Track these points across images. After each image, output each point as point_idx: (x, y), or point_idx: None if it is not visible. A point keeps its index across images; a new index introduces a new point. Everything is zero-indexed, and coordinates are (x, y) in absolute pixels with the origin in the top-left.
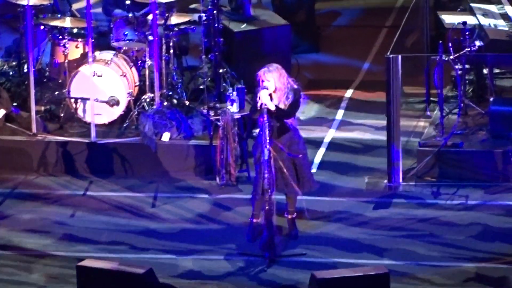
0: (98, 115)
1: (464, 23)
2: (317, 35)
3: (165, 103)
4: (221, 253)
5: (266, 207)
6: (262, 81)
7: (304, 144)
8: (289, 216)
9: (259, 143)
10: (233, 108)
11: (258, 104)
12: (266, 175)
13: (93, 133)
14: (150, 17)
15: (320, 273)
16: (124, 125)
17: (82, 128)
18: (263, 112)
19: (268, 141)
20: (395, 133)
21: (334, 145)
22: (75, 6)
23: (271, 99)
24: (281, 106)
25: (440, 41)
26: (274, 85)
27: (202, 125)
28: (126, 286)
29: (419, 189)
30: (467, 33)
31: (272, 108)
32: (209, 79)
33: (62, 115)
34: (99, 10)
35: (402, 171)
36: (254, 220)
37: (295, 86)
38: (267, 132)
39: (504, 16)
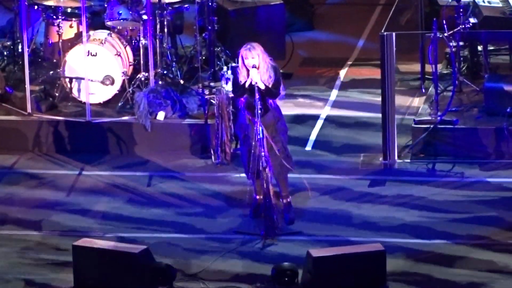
0: (93, 94)
1: (458, 0)
2: (311, 13)
3: (160, 82)
4: (217, 231)
5: (264, 186)
6: (245, 59)
7: (285, 122)
8: (284, 201)
9: (243, 123)
10: (228, 86)
11: (247, 83)
12: (262, 153)
13: (88, 113)
14: None
15: (316, 251)
16: (119, 104)
17: (77, 107)
18: (254, 90)
19: (259, 119)
20: (390, 111)
21: (328, 123)
22: None
23: None
24: (265, 83)
25: (435, 18)
26: (259, 61)
27: (197, 104)
28: (122, 266)
29: (414, 166)
30: (461, 10)
31: (262, 87)
32: (203, 57)
33: (56, 94)
34: None
35: (397, 148)
36: (258, 197)
37: (274, 64)
38: (259, 111)
39: None
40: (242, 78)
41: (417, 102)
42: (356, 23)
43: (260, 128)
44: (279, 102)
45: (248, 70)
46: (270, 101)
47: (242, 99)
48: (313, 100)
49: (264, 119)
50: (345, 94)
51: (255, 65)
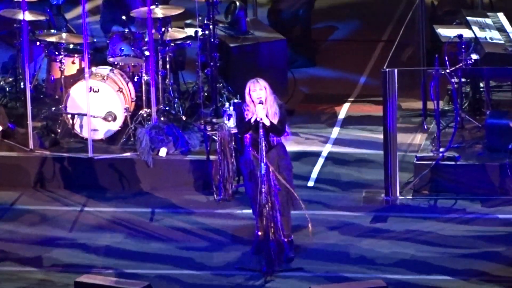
0: (95, 130)
1: (460, 36)
2: (314, 50)
3: (162, 118)
4: (218, 267)
5: (264, 222)
6: (252, 91)
7: (290, 160)
8: (286, 239)
9: (248, 159)
10: (230, 123)
11: (253, 119)
12: (263, 190)
13: (90, 149)
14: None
15: (317, 287)
16: (121, 141)
17: (79, 143)
18: (259, 127)
19: (264, 156)
20: (392, 147)
21: (330, 160)
22: (69, 16)
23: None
24: (270, 119)
25: (436, 55)
26: (265, 94)
27: (199, 140)
28: None
29: (416, 202)
30: (463, 46)
31: (267, 123)
32: (206, 94)
33: (59, 131)
34: (95, 26)
35: (399, 185)
36: (259, 233)
37: (279, 102)
38: (264, 147)
39: (500, 29)
40: (249, 114)
41: (419, 138)
42: (358, 59)
43: (263, 165)
44: (285, 141)
45: (255, 106)
46: (274, 138)
47: (247, 135)
48: (315, 136)
49: (268, 156)
50: (347, 130)
51: (262, 101)
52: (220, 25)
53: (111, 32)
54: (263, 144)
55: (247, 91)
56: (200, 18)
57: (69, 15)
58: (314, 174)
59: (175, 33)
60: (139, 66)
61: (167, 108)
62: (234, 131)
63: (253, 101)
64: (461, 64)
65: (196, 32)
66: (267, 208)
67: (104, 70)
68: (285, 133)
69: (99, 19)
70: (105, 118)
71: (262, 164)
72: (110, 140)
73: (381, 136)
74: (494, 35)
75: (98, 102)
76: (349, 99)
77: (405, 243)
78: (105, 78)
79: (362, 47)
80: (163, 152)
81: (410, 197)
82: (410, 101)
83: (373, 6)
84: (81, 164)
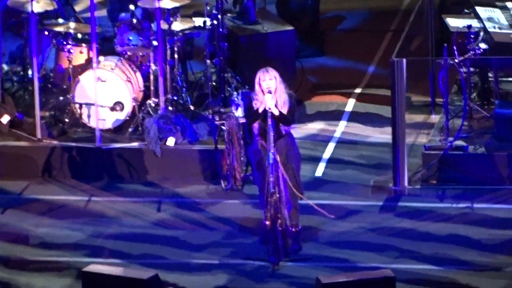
0: (103, 120)
1: (469, 26)
2: (322, 39)
3: (170, 108)
4: (227, 257)
5: (272, 211)
6: (262, 81)
7: (299, 149)
8: (293, 229)
9: (256, 148)
10: (238, 112)
11: (261, 108)
12: (271, 179)
13: (97, 139)
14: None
15: (325, 277)
16: (129, 131)
17: (87, 133)
18: (267, 116)
19: (272, 145)
20: (400, 137)
21: (339, 149)
22: (78, 8)
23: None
24: (280, 109)
25: (445, 45)
26: (276, 84)
27: (207, 129)
28: None
29: (424, 192)
30: (472, 36)
31: (276, 113)
32: (214, 83)
33: (67, 120)
34: (103, 14)
35: (407, 174)
36: (267, 223)
37: (289, 91)
38: (272, 137)
39: (509, 19)
40: (258, 103)
41: (427, 128)
42: (366, 49)
43: (271, 154)
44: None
45: (264, 95)
46: (283, 127)
47: (256, 124)
48: (324, 125)
49: (277, 145)
50: (356, 120)
51: (271, 90)
52: (229, 15)
53: (118, 21)
54: (272, 134)
55: (257, 80)
56: (208, 8)
57: (77, 8)
58: (323, 162)
59: (183, 23)
60: (147, 56)
61: (175, 98)
62: (242, 120)
63: (262, 91)
64: (469, 54)
65: (204, 22)
66: (274, 198)
67: (112, 60)
68: (294, 123)
69: (107, 7)
70: (113, 108)
71: (270, 154)
72: (118, 130)
73: (389, 125)
74: (503, 25)
75: (106, 92)
76: (358, 88)
77: (413, 233)
78: (113, 68)
79: (370, 36)
80: (171, 141)
81: (419, 186)
82: (419, 91)
83: None
84: (89, 154)
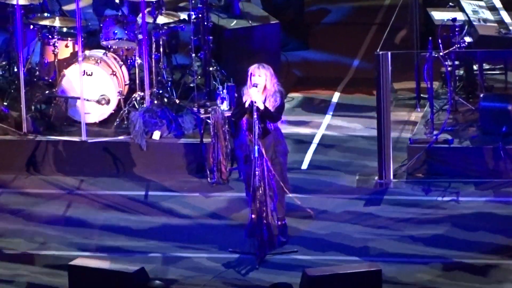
0: (88, 114)
1: (454, 19)
2: (307, 33)
3: (155, 102)
4: (212, 251)
5: (257, 205)
6: (252, 76)
7: (286, 144)
8: (279, 222)
9: (243, 143)
10: (223, 106)
11: (248, 102)
12: (256, 173)
13: (83, 132)
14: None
15: (311, 270)
16: (115, 124)
17: (73, 127)
18: (252, 109)
19: (258, 139)
20: (385, 130)
21: (324, 143)
22: (66, 8)
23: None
24: (268, 107)
25: (430, 38)
26: (265, 82)
27: (192, 123)
28: (118, 285)
29: (409, 185)
30: (456, 29)
31: (261, 107)
32: (199, 77)
33: (52, 114)
34: (89, 10)
35: (392, 168)
36: (253, 216)
37: (281, 89)
38: (257, 130)
39: (494, 12)
40: (246, 97)
41: (412, 121)
42: (351, 42)
43: (257, 148)
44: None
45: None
46: (271, 124)
47: (244, 119)
48: (308, 119)
49: (264, 141)
50: (340, 113)
51: (256, 84)
52: (214, 8)
53: (104, 16)
54: (257, 127)
55: (248, 74)
56: (193, 1)
57: (66, 7)
58: (307, 157)
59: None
60: (133, 49)
61: (160, 92)
62: (228, 114)
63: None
64: (454, 47)
65: (189, 15)
66: (260, 192)
67: (97, 53)
68: (279, 120)
69: (92, 2)
70: (98, 102)
71: (256, 147)
72: (104, 124)
73: (374, 119)
74: (487, 18)
75: (92, 86)
76: (343, 82)
77: (398, 226)
78: (99, 61)
79: (355, 30)
80: (156, 135)
81: (404, 180)
82: (403, 84)
83: None
84: (75, 147)
